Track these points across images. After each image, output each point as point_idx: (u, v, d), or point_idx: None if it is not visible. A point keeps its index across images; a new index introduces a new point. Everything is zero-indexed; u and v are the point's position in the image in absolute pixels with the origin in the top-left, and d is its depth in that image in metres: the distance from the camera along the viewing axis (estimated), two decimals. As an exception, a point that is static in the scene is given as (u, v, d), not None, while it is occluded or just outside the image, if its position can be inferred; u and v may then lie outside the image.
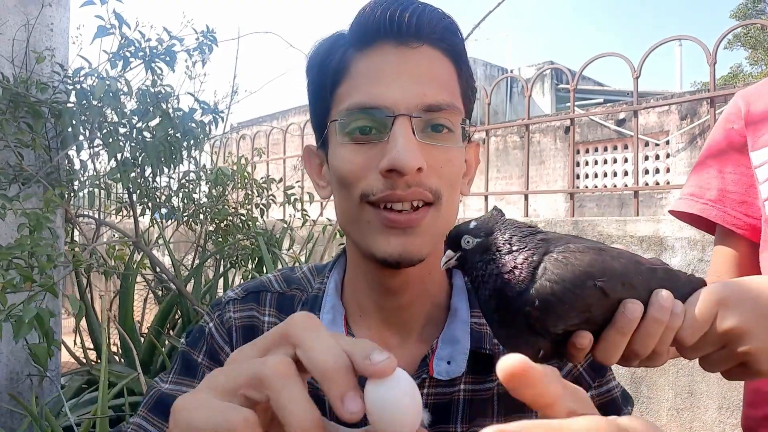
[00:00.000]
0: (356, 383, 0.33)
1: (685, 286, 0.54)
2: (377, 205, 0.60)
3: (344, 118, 0.62)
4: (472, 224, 0.56)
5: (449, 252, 0.57)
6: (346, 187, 0.63)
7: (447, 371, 0.65)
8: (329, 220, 2.97)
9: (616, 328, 0.50)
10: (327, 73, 0.64)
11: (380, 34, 0.62)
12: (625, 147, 7.51)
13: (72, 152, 2.28)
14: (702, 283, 0.56)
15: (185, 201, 2.70)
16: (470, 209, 7.64)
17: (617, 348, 0.51)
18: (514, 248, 0.52)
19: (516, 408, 0.68)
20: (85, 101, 2.01)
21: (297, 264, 0.91)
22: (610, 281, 0.49)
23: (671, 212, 0.98)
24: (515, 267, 0.51)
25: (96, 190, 2.32)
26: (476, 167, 0.74)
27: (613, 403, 0.70)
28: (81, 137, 2.12)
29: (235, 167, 3.05)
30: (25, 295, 1.47)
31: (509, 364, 0.30)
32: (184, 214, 2.70)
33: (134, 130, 2.14)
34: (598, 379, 0.70)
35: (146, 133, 2.15)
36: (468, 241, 0.55)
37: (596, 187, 8.07)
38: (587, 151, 8.27)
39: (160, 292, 2.99)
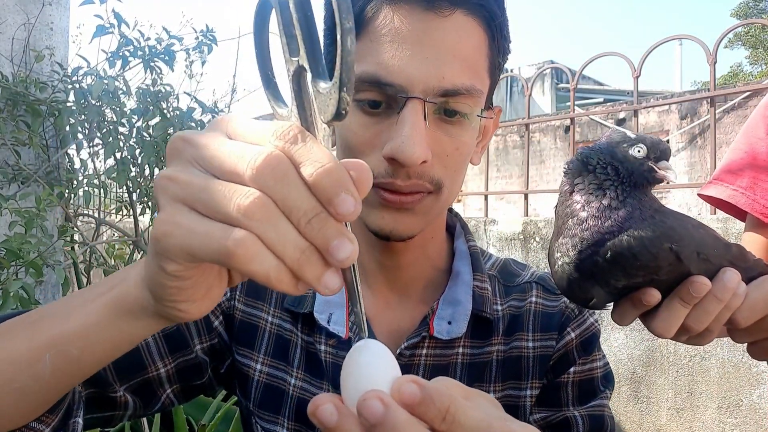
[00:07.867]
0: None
1: (753, 269, 0.55)
2: (377, 185, 0.59)
3: (354, 85, 0.59)
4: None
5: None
6: (350, 157, 0.61)
7: (447, 331, 0.65)
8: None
9: (679, 298, 0.50)
10: None
11: None
12: (625, 146, 7.51)
13: (72, 151, 2.28)
14: None
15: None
16: (470, 209, 7.64)
17: (678, 319, 0.51)
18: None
19: (514, 375, 0.68)
20: (83, 100, 2.01)
21: None
22: (686, 248, 0.50)
23: (700, 196, 0.96)
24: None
25: (94, 189, 2.32)
26: (493, 132, 0.72)
27: (589, 382, 0.71)
28: (80, 136, 2.12)
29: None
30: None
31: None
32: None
33: (134, 129, 2.14)
34: (583, 358, 0.71)
35: (145, 133, 2.15)
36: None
37: (596, 186, 8.05)
38: (587, 150, 8.26)
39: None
